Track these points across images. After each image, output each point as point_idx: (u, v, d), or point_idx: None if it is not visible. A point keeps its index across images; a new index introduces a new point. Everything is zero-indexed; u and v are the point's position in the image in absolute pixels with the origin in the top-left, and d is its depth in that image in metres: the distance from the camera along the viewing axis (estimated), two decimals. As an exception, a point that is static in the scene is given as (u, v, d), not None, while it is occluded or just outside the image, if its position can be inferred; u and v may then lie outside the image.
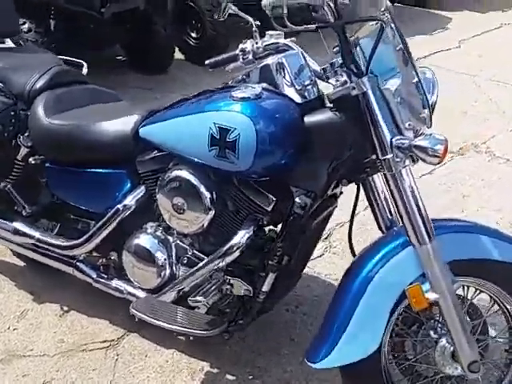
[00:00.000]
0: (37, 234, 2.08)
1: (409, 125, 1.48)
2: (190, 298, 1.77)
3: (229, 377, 1.98)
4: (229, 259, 1.67)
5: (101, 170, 1.91)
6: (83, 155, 1.94)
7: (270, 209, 1.62)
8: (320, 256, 2.50)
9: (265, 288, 1.71)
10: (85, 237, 1.96)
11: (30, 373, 2.01)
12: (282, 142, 1.53)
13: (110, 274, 2.04)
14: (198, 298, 1.75)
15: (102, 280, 2.02)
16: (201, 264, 1.73)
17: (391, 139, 1.44)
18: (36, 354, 2.09)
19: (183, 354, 2.06)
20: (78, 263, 2.05)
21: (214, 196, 1.66)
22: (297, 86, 1.57)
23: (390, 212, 1.68)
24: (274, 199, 1.62)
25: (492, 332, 1.73)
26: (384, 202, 1.68)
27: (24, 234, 2.10)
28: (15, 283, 2.41)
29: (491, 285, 1.58)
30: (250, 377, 1.98)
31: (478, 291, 1.63)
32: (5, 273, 2.46)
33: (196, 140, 1.59)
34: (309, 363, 1.54)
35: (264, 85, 1.56)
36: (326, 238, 2.58)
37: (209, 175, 1.67)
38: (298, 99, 1.56)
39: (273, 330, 2.15)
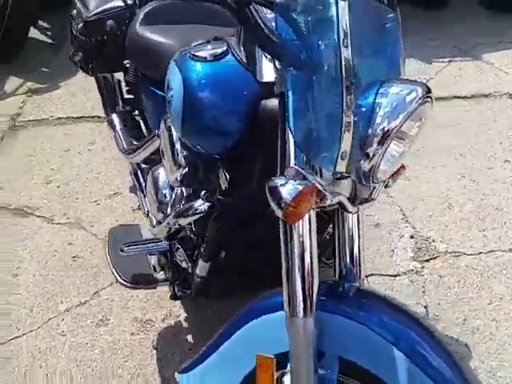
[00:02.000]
0: (120, 128, 2.12)
1: None
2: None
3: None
4: (180, 221, 1.52)
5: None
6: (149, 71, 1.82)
7: (223, 187, 1.39)
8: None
9: (199, 272, 1.56)
10: (134, 147, 1.97)
11: None
12: (216, 114, 1.28)
13: None
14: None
15: None
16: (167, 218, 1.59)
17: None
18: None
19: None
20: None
21: (185, 155, 1.45)
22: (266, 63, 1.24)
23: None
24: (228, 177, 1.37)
25: None
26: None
27: (112, 126, 2.14)
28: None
29: None
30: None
31: None
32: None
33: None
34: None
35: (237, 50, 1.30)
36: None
37: None
38: (259, 77, 1.25)
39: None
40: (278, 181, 1.03)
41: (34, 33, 3.75)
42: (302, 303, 1.08)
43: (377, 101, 1.04)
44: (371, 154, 1.04)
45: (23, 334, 1.88)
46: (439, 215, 2.32)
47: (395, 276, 2.06)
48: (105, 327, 1.90)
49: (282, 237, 1.09)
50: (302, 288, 1.09)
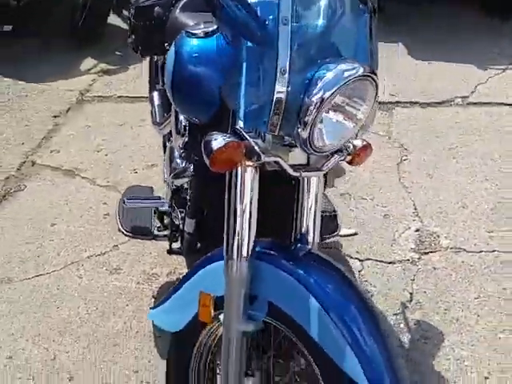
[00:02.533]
0: (157, 104, 2.26)
1: None
2: None
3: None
4: (176, 182, 1.71)
5: None
6: None
7: None
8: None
9: (187, 229, 1.71)
10: (162, 120, 2.12)
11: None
12: (201, 84, 1.40)
13: None
14: None
15: None
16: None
17: None
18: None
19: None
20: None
21: (185, 125, 1.68)
22: None
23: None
24: None
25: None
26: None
27: (152, 102, 2.30)
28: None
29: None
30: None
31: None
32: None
33: None
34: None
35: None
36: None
37: None
38: None
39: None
40: (213, 136, 1.19)
41: (113, 20, 4.14)
42: (237, 247, 1.24)
43: (318, 74, 1.18)
44: (306, 122, 1.17)
45: (47, 273, 2.16)
46: (451, 213, 2.37)
47: (390, 263, 2.14)
48: (116, 275, 2.14)
49: (226, 186, 1.25)
50: (238, 233, 1.24)
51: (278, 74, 1.16)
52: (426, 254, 2.17)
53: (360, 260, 2.15)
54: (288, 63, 1.17)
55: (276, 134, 1.21)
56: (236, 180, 1.23)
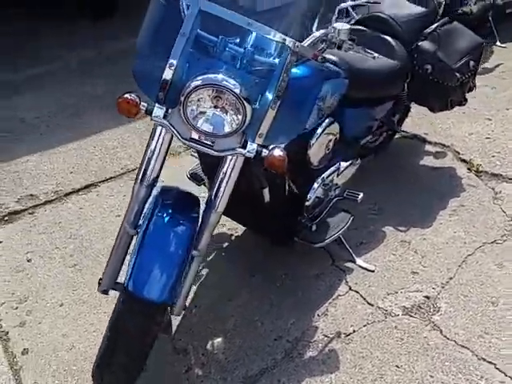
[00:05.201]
0: None
1: None
2: None
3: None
4: None
5: None
6: None
7: None
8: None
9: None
10: None
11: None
12: None
13: None
14: None
15: None
16: None
17: None
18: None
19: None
20: None
21: None
22: None
23: None
24: None
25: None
26: None
27: None
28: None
29: None
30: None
31: None
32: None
33: None
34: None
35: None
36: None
37: None
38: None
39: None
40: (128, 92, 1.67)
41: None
42: (141, 175, 1.75)
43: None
44: (180, 101, 1.63)
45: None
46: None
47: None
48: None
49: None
50: (144, 168, 1.75)
51: (168, 65, 1.61)
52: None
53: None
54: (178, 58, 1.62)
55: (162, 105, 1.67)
56: (153, 134, 1.74)
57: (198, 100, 1.62)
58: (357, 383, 2.01)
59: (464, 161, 3.21)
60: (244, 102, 1.61)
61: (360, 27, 2.69)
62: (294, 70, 1.74)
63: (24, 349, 2.18)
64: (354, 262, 2.52)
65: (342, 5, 2.10)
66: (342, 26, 1.83)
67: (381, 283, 2.42)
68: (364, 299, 2.34)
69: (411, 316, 2.25)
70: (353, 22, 2.77)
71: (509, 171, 3.07)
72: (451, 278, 2.42)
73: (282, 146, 1.71)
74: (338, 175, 2.39)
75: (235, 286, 2.44)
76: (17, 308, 2.36)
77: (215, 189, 1.77)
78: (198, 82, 1.60)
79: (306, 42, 1.73)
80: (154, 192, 1.81)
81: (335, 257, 2.57)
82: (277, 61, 1.66)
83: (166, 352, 2.14)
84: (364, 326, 2.23)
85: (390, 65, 2.59)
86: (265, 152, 1.67)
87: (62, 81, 4.32)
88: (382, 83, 2.60)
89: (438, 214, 2.80)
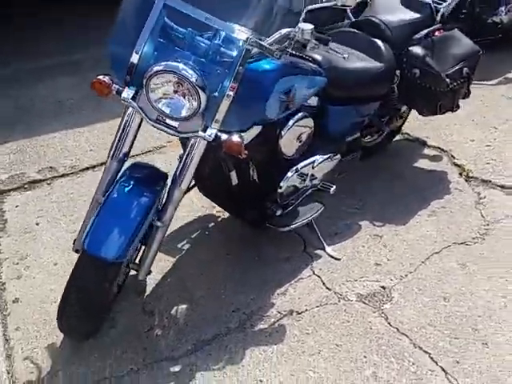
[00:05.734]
0: None
1: None
2: None
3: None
4: None
5: None
6: None
7: None
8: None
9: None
10: None
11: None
12: None
13: None
14: None
15: None
16: None
17: None
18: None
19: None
20: None
21: None
22: None
23: None
24: None
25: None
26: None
27: None
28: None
29: None
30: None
31: None
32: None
33: None
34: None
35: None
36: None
37: None
38: None
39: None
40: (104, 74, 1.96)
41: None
42: (112, 151, 2.04)
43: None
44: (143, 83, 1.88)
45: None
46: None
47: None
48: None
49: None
50: (115, 146, 2.04)
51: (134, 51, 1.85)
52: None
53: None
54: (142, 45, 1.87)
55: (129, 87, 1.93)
56: (124, 114, 2.01)
57: (162, 84, 1.85)
58: (295, 354, 2.19)
59: (458, 165, 3.29)
60: (199, 89, 1.83)
61: (352, 30, 2.86)
62: (257, 64, 1.94)
63: (15, 298, 2.48)
64: (323, 249, 2.68)
65: (310, 7, 2.27)
66: (306, 26, 2.00)
67: (343, 271, 2.57)
68: (323, 284, 2.50)
69: (364, 303, 2.40)
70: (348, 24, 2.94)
71: (498, 178, 3.13)
72: (411, 272, 2.54)
73: (246, 133, 1.97)
74: (313, 167, 2.55)
75: (210, 262, 2.65)
76: (17, 263, 2.67)
77: (180, 167, 2.00)
78: (160, 68, 1.83)
79: (271, 39, 1.92)
80: (125, 167, 2.06)
81: (308, 244, 2.74)
82: (235, 53, 1.86)
83: (135, 312, 2.39)
84: (317, 306, 2.39)
85: (374, 66, 2.73)
86: (224, 137, 1.88)
87: (94, 69, 4.67)
88: (365, 83, 2.73)
89: (417, 213, 2.91)
